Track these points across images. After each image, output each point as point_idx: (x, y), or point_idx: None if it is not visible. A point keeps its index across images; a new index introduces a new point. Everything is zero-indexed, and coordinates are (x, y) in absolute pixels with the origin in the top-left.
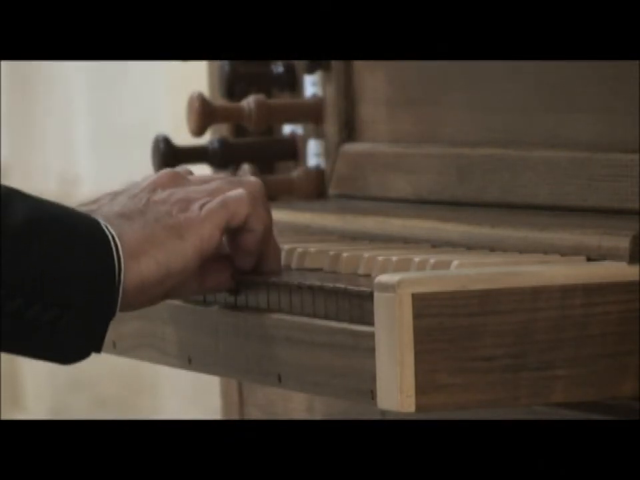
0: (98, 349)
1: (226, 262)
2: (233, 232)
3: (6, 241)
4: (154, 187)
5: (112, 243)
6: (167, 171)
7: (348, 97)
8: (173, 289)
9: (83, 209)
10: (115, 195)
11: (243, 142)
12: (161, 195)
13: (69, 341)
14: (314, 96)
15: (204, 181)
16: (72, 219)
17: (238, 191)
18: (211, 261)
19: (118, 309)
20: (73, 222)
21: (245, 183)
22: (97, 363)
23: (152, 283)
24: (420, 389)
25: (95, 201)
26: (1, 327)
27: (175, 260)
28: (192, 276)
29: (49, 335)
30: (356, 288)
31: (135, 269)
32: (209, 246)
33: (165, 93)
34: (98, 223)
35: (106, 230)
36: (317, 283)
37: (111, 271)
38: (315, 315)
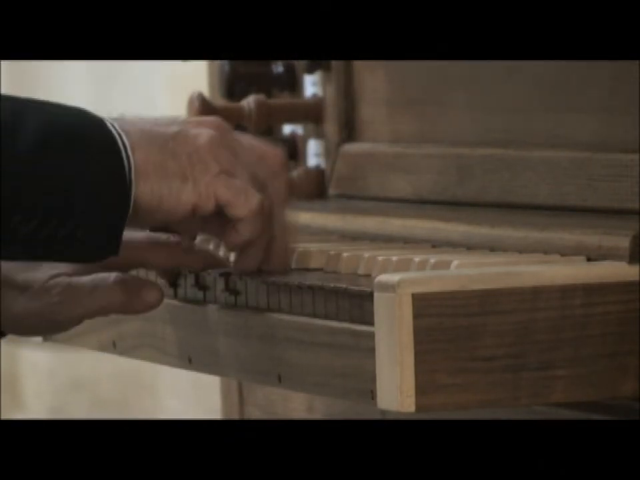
0: (116, 252)
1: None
2: (227, 219)
3: (17, 167)
4: (195, 124)
5: (120, 144)
6: (217, 118)
7: (348, 97)
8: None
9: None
10: (156, 118)
11: None
12: (194, 131)
13: (87, 246)
14: (314, 96)
15: (241, 154)
16: (84, 129)
17: (255, 194)
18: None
19: (130, 209)
20: (84, 133)
21: (267, 191)
22: (97, 363)
23: (143, 209)
24: (420, 389)
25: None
26: (18, 247)
27: (169, 197)
28: (186, 221)
29: (66, 245)
30: (356, 288)
31: (135, 188)
32: (201, 207)
33: (164, 92)
34: (110, 133)
35: (118, 140)
36: (317, 283)
37: (121, 176)
38: (315, 315)
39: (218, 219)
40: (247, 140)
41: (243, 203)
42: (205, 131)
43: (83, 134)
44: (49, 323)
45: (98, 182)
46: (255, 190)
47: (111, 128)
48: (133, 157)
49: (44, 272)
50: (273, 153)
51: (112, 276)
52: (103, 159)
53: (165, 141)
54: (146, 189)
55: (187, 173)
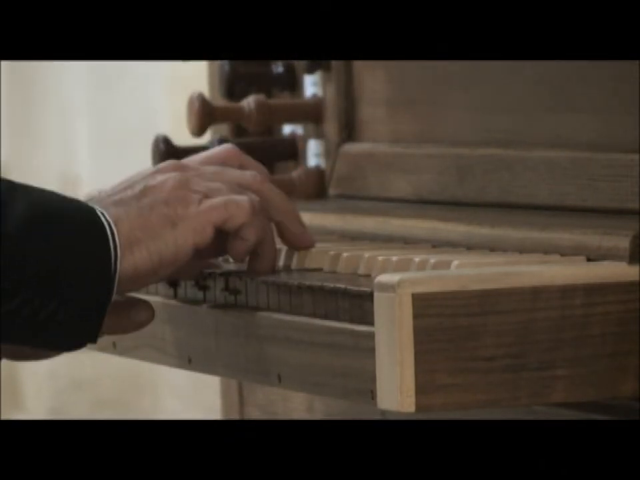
0: (94, 339)
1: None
2: (226, 233)
3: (5, 242)
4: (154, 174)
5: (108, 232)
6: (170, 161)
7: (348, 97)
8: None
9: (84, 198)
10: (119, 184)
11: (243, 142)
12: (158, 179)
13: (65, 332)
14: (314, 96)
15: (209, 176)
16: (68, 210)
17: (242, 197)
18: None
19: (112, 299)
20: (69, 214)
21: (248, 193)
22: (97, 363)
23: (145, 273)
24: (420, 389)
25: (100, 191)
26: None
27: (167, 250)
28: (185, 264)
29: (45, 328)
30: (356, 288)
31: (129, 259)
32: (201, 240)
33: (165, 93)
34: (94, 212)
35: (102, 218)
36: (317, 283)
37: (107, 262)
38: (314, 315)
39: (214, 243)
40: (199, 157)
41: (237, 211)
42: (166, 176)
43: (72, 219)
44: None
45: (84, 268)
46: (240, 194)
47: (101, 217)
48: (117, 230)
49: None
50: (225, 149)
51: None
52: (91, 246)
53: (137, 201)
54: (142, 252)
55: (172, 218)
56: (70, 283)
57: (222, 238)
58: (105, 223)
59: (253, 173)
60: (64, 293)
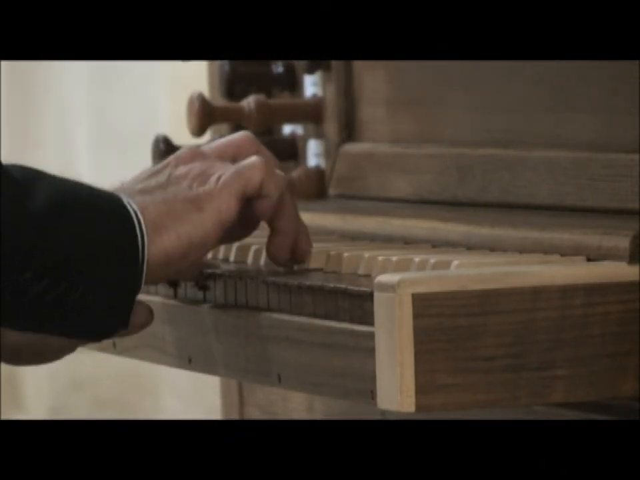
0: (125, 326)
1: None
2: (249, 202)
3: (30, 225)
4: (176, 164)
5: (135, 219)
6: (187, 148)
7: (348, 97)
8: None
9: (107, 189)
10: (139, 175)
11: None
12: (181, 170)
13: (95, 319)
14: (314, 96)
15: (222, 152)
16: (94, 198)
17: (251, 159)
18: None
19: (143, 284)
20: (95, 201)
21: (259, 153)
22: (97, 363)
23: (176, 256)
24: (420, 389)
25: (122, 182)
26: (27, 309)
27: (196, 232)
28: (216, 244)
29: (74, 314)
30: (356, 288)
31: (159, 244)
32: (228, 216)
33: (165, 93)
34: (120, 200)
35: (128, 206)
36: (317, 283)
37: (134, 248)
38: (314, 315)
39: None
40: (216, 144)
41: (251, 171)
42: (189, 166)
43: (96, 205)
44: (42, 354)
45: (112, 252)
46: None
47: (127, 205)
48: (144, 218)
49: None
50: (241, 136)
51: None
52: (118, 231)
53: (162, 190)
54: (171, 236)
55: (197, 201)
56: (98, 270)
57: (244, 217)
58: (132, 211)
59: (268, 159)
60: (92, 279)
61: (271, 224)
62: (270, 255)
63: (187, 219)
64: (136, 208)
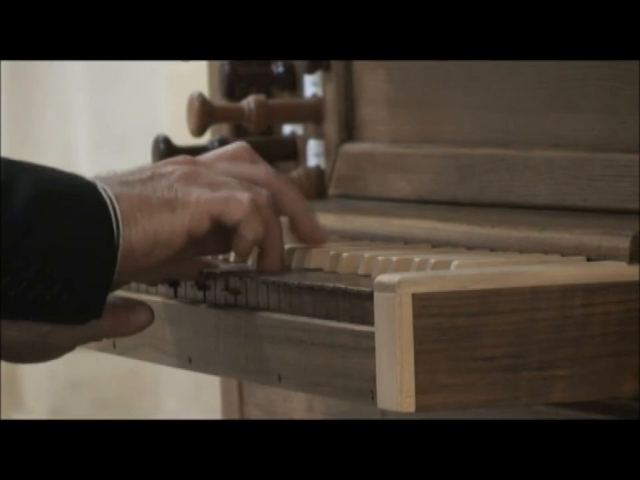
0: (98, 315)
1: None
2: (227, 231)
3: (10, 231)
4: (165, 164)
5: (110, 209)
6: (184, 155)
7: (348, 97)
8: (167, 263)
9: (91, 176)
10: (130, 169)
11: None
12: (167, 168)
13: (70, 309)
14: (314, 96)
15: (220, 171)
16: (72, 189)
17: (244, 194)
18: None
19: (116, 275)
20: (73, 193)
21: (255, 191)
22: (97, 363)
23: (139, 252)
24: (420, 389)
25: (109, 172)
26: (4, 306)
27: (163, 232)
28: (188, 251)
29: (48, 308)
30: (356, 288)
31: (126, 236)
32: (197, 229)
33: (165, 92)
34: (96, 189)
35: (104, 194)
36: (317, 283)
37: (110, 238)
38: (315, 315)
39: (214, 239)
40: (212, 154)
41: (235, 207)
42: (176, 166)
43: (72, 196)
44: (40, 352)
45: (87, 246)
46: (245, 190)
47: (103, 193)
48: (119, 207)
49: None
50: (237, 147)
51: None
52: (92, 222)
53: (143, 184)
54: (138, 231)
55: (173, 203)
56: (74, 264)
57: (223, 235)
58: (107, 199)
59: (265, 167)
60: (68, 274)
61: (259, 245)
62: (260, 267)
63: (157, 217)
64: (112, 196)
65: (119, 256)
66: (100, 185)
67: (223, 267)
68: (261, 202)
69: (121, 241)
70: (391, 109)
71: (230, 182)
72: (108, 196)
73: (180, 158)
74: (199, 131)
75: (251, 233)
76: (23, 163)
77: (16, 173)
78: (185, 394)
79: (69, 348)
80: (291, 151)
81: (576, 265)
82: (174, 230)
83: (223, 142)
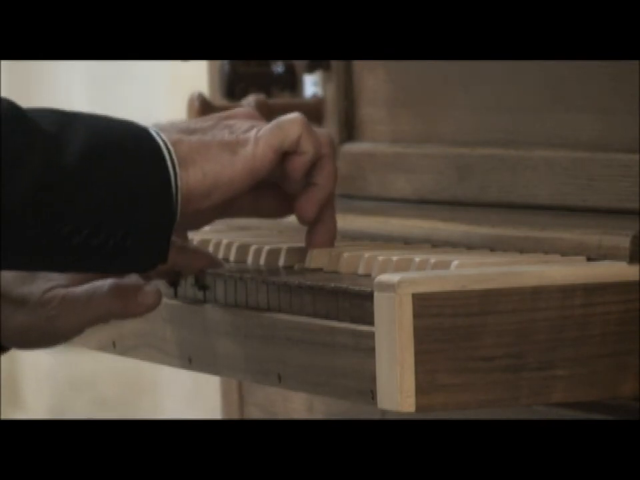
0: (164, 259)
1: (282, 194)
2: (284, 158)
3: (66, 181)
4: (227, 116)
5: (165, 152)
6: (245, 108)
7: (348, 96)
8: (225, 206)
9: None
10: (191, 119)
11: None
12: (229, 121)
13: (135, 256)
14: (314, 96)
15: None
16: (127, 136)
17: (292, 114)
18: (266, 190)
19: (178, 215)
20: (128, 140)
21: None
22: (97, 363)
23: (198, 194)
24: (420, 389)
25: (171, 122)
26: (69, 256)
27: (224, 172)
28: (244, 194)
29: (115, 255)
30: (356, 288)
31: (183, 178)
32: (261, 165)
33: (165, 92)
34: (150, 135)
35: (158, 138)
36: (317, 283)
37: (167, 183)
38: (315, 315)
39: (269, 193)
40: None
41: (291, 125)
42: (236, 120)
43: (128, 145)
44: (49, 336)
45: (145, 192)
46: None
47: (157, 137)
48: (175, 150)
49: (39, 286)
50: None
51: (107, 283)
52: (149, 169)
53: (203, 132)
54: (196, 172)
55: (233, 145)
56: (133, 210)
57: (260, 196)
58: (162, 143)
59: (326, 134)
60: (129, 221)
61: (308, 179)
62: (298, 207)
63: (217, 158)
64: (167, 141)
65: (179, 198)
66: (154, 130)
67: (224, 266)
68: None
69: (179, 182)
70: (390, 109)
71: (280, 118)
72: (163, 140)
73: (241, 110)
74: None
75: (310, 146)
76: (76, 113)
77: (69, 124)
78: (185, 394)
79: (78, 331)
80: None
81: (576, 264)
82: (235, 169)
83: None
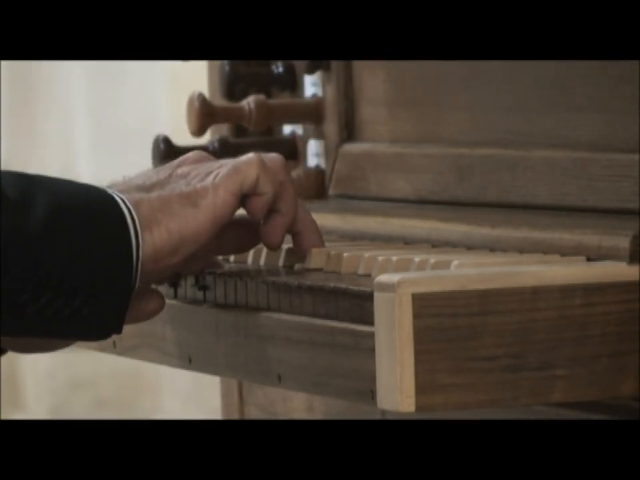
0: (118, 330)
1: (245, 228)
2: (244, 200)
3: (27, 248)
4: (179, 164)
5: (129, 220)
6: (195, 151)
7: (348, 96)
8: (192, 258)
9: (107, 184)
10: (142, 172)
11: (243, 142)
12: (183, 169)
13: (90, 325)
14: (314, 96)
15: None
16: (89, 204)
17: (247, 155)
18: (230, 228)
19: (137, 284)
20: (90, 208)
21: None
22: (97, 363)
23: (165, 252)
24: (420, 389)
25: (124, 177)
26: (23, 323)
27: (188, 227)
28: (209, 245)
29: (70, 322)
30: (356, 288)
31: (148, 239)
32: (223, 212)
33: (165, 93)
34: (114, 200)
35: (122, 204)
36: (317, 283)
37: (129, 252)
38: (315, 315)
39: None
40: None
41: (247, 167)
42: (191, 167)
43: (91, 214)
44: (50, 342)
45: (105, 264)
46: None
47: (120, 203)
48: (138, 213)
49: None
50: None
51: None
52: (112, 241)
53: (160, 187)
54: (161, 231)
55: (192, 197)
56: (92, 280)
57: (239, 233)
58: (125, 210)
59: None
60: (87, 290)
61: (271, 207)
62: (263, 234)
63: (180, 214)
64: (130, 206)
65: (139, 267)
66: (117, 195)
67: (224, 266)
68: (271, 163)
69: (140, 252)
70: (390, 109)
71: (235, 159)
72: (127, 206)
73: (193, 155)
74: (199, 131)
75: (269, 186)
76: (38, 177)
77: (31, 188)
78: (185, 394)
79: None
80: (291, 151)
81: (576, 265)
82: (199, 222)
83: (222, 142)
